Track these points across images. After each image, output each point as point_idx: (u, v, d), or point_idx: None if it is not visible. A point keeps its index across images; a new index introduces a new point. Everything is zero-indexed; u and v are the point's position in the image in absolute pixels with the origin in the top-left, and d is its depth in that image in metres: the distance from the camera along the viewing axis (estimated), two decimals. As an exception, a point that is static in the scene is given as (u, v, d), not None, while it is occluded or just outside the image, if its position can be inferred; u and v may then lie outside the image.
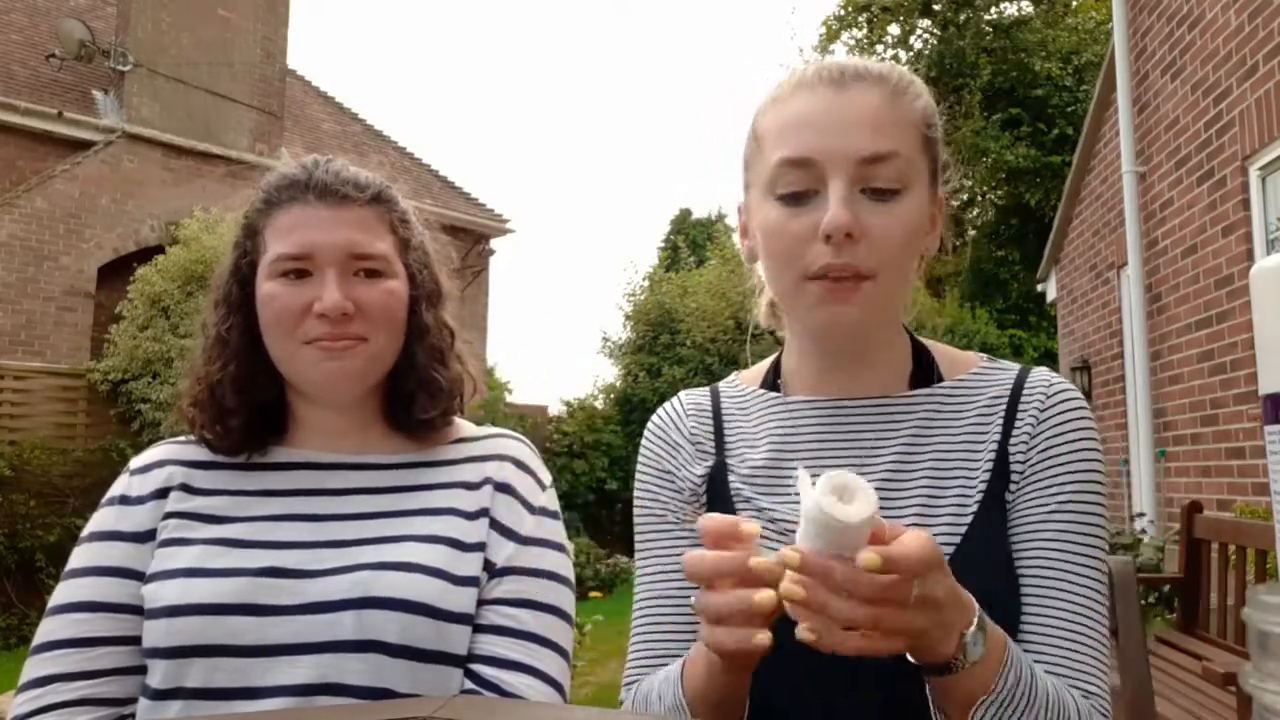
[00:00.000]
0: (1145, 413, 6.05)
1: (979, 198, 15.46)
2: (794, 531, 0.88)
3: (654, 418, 1.05)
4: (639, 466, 1.03)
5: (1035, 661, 0.81)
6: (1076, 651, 0.84)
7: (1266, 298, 0.53)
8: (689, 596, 0.86)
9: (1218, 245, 5.07)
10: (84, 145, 8.88)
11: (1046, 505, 0.87)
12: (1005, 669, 0.74)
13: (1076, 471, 0.88)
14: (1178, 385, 5.59)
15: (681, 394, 1.06)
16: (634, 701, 0.91)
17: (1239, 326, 4.82)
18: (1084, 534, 0.87)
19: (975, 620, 0.72)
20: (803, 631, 0.66)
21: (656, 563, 0.97)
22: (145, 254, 8.31)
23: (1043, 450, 0.89)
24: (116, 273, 8.52)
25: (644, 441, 1.03)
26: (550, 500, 1.09)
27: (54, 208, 8.51)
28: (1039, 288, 9.29)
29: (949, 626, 0.70)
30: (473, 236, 11.87)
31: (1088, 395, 7.35)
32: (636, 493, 1.02)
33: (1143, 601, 4.38)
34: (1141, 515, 5.92)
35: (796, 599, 0.65)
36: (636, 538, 1.01)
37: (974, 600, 0.72)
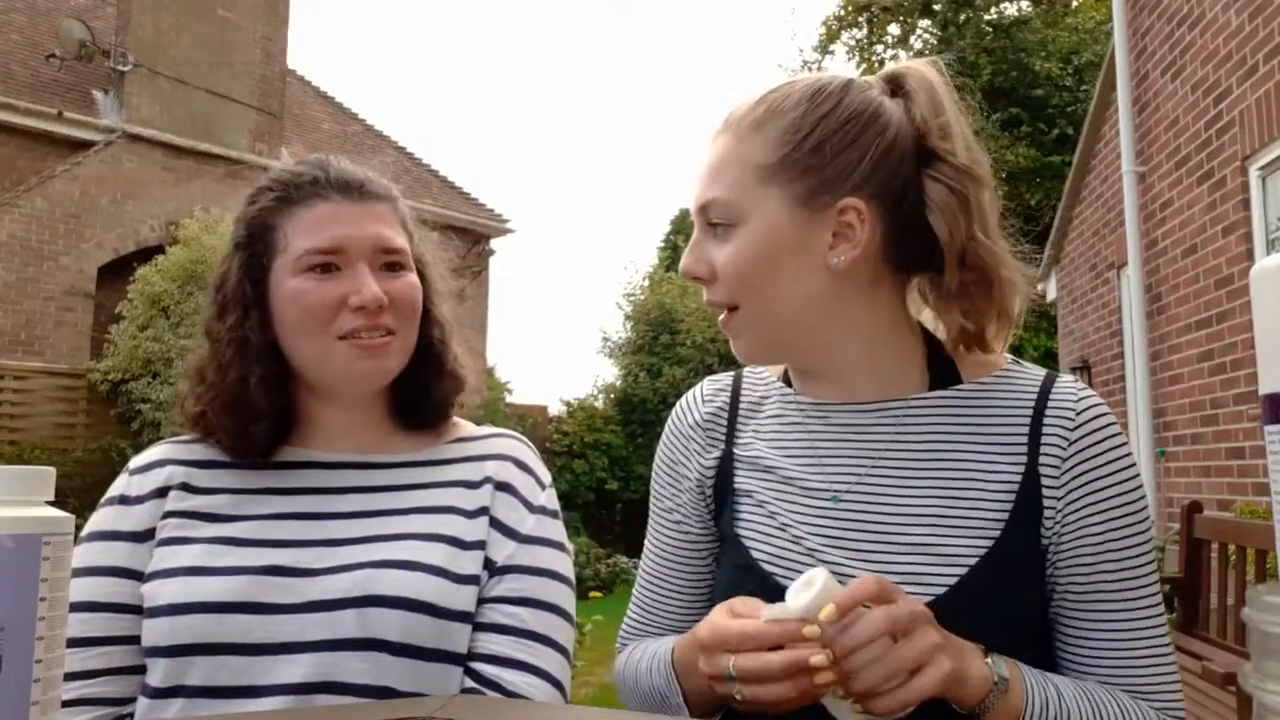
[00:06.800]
0: (1145, 413, 6.05)
1: (979, 198, 15.40)
2: (788, 525, 0.94)
3: (677, 404, 1.09)
4: (659, 449, 1.09)
5: (1114, 683, 0.86)
6: (1157, 669, 0.88)
7: (1266, 298, 0.53)
8: (680, 583, 1.04)
9: (1218, 245, 5.07)
10: (84, 145, 8.88)
11: (1100, 533, 0.87)
12: (1030, 693, 0.81)
13: (1123, 494, 0.87)
14: (1178, 385, 5.59)
15: (705, 380, 1.09)
16: (626, 662, 1.02)
17: (1239, 326, 4.82)
18: (1142, 553, 0.88)
19: (983, 650, 0.80)
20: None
21: (658, 548, 1.06)
22: (145, 254, 8.31)
23: (1080, 476, 0.87)
24: (116, 273, 8.51)
25: (666, 427, 1.09)
26: (550, 499, 1.09)
27: (54, 208, 8.50)
28: (1039, 288, 9.30)
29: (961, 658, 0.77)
30: (473, 236, 11.87)
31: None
32: (654, 471, 1.09)
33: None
34: (1141, 515, 5.91)
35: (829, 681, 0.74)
36: (650, 511, 1.09)
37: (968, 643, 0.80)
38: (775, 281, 0.89)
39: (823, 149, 0.88)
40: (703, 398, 1.06)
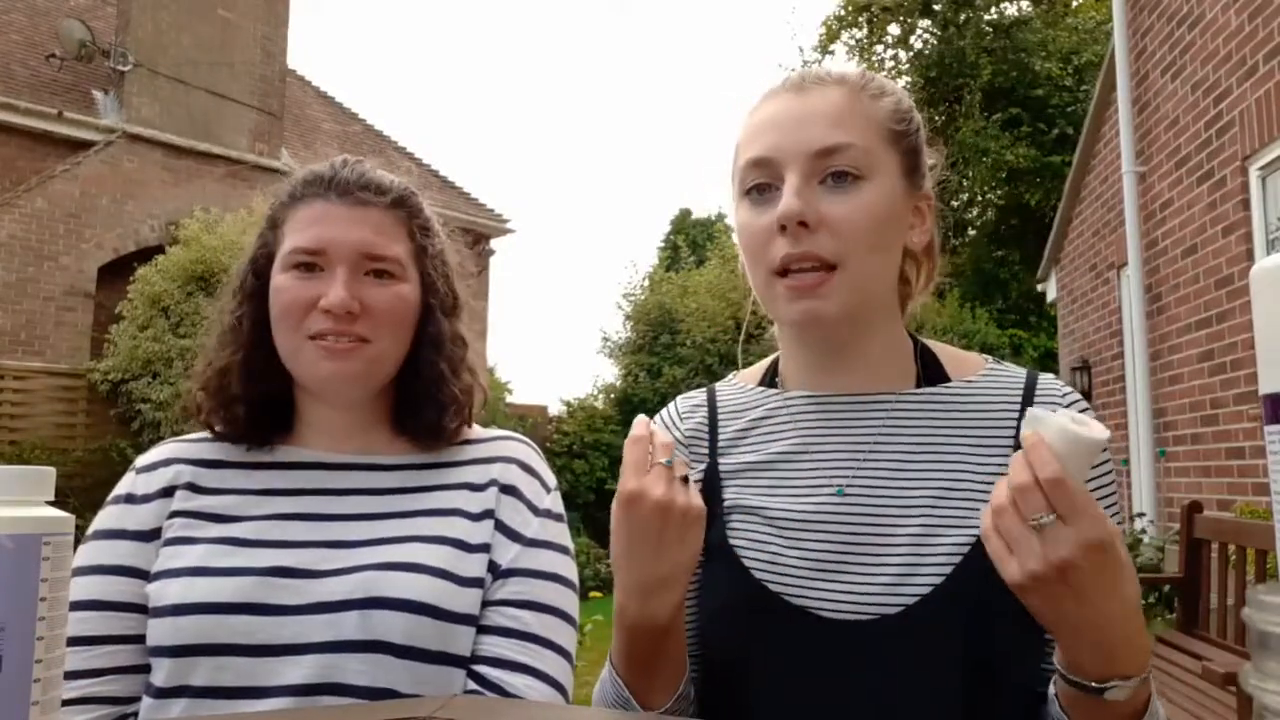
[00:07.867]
0: (1145, 413, 6.05)
1: (979, 198, 15.46)
2: (785, 525, 0.91)
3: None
4: None
5: None
6: None
7: (1266, 298, 0.53)
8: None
9: (1218, 245, 5.07)
10: (84, 145, 8.88)
11: None
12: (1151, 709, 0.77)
13: (1101, 485, 0.90)
14: (1178, 385, 5.59)
15: (678, 399, 1.07)
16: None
17: (1239, 326, 4.82)
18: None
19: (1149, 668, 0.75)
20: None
21: None
22: (145, 254, 8.31)
23: None
24: (116, 273, 8.51)
25: None
26: (555, 502, 1.09)
27: (54, 208, 8.50)
28: (1039, 288, 9.30)
29: (1136, 625, 0.73)
30: (473, 236, 11.87)
31: (1088, 395, 7.35)
32: None
33: (1143, 601, 4.37)
34: (1141, 515, 5.92)
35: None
36: None
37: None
38: (882, 246, 0.89)
39: (919, 137, 0.95)
40: (679, 414, 1.03)
